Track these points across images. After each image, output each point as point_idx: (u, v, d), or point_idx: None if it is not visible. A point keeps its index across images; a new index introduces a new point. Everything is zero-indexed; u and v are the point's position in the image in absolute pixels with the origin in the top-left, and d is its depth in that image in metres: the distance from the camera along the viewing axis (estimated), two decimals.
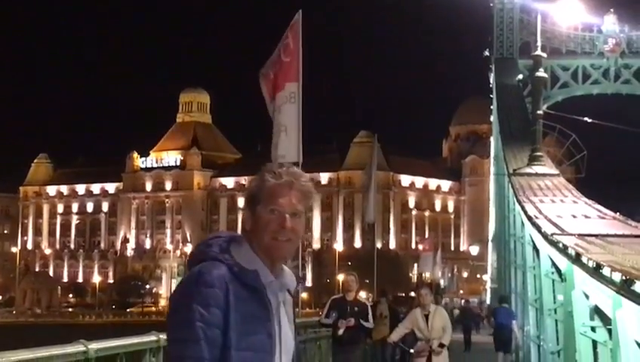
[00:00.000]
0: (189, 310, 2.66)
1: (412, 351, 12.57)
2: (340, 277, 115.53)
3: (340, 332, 12.26)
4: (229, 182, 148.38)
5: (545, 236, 13.89)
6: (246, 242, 2.84)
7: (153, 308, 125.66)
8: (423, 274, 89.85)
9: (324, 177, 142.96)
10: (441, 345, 12.25)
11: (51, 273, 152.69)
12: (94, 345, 6.23)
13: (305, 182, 2.85)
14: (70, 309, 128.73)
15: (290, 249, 2.83)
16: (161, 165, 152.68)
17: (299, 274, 3.03)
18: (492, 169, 54.08)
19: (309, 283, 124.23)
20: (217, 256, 2.77)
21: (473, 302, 73.04)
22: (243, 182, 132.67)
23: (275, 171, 2.84)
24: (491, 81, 48.70)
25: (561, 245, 11.47)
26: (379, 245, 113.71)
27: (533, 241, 17.71)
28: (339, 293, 13.59)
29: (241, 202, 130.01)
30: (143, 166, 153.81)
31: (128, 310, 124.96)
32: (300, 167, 13.50)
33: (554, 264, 13.64)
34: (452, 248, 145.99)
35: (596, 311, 9.39)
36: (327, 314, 12.66)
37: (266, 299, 2.75)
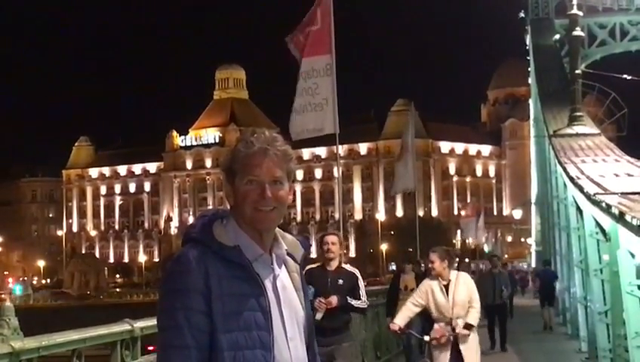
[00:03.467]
0: (171, 297, 2.60)
1: (427, 338, 9.38)
2: (384, 246, 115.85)
3: (318, 316, 8.41)
4: None
5: (588, 196, 13.78)
6: (232, 217, 2.73)
7: None
8: (467, 240, 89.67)
9: (363, 147, 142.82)
10: (468, 326, 9.14)
11: (97, 254, 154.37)
12: (140, 324, 6.27)
13: (280, 146, 2.72)
14: (118, 289, 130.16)
15: (275, 218, 2.71)
16: (201, 143, 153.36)
17: (306, 241, 2.88)
18: (532, 131, 53.69)
19: (352, 253, 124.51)
20: (197, 236, 2.69)
21: (522, 266, 72.68)
22: None
23: (247, 140, 2.71)
24: (528, 43, 48.24)
25: (604, 204, 11.36)
26: (421, 213, 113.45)
27: (576, 202, 17.63)
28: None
29: None
30: (183, 144, 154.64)
31: None
32: (337, 139, 13.15)
33: (598, 224, 13.53)
34: (495, 213, 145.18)
35: None
36: None
37: (253, 274, 2.65)
